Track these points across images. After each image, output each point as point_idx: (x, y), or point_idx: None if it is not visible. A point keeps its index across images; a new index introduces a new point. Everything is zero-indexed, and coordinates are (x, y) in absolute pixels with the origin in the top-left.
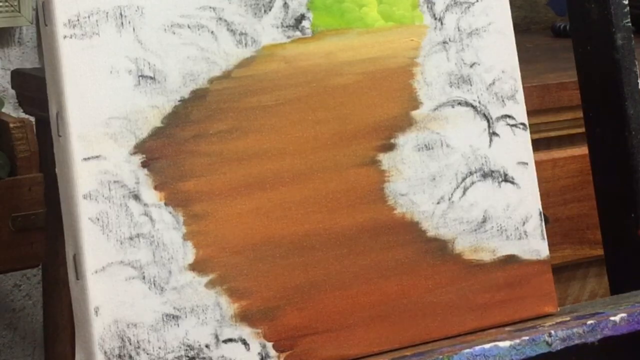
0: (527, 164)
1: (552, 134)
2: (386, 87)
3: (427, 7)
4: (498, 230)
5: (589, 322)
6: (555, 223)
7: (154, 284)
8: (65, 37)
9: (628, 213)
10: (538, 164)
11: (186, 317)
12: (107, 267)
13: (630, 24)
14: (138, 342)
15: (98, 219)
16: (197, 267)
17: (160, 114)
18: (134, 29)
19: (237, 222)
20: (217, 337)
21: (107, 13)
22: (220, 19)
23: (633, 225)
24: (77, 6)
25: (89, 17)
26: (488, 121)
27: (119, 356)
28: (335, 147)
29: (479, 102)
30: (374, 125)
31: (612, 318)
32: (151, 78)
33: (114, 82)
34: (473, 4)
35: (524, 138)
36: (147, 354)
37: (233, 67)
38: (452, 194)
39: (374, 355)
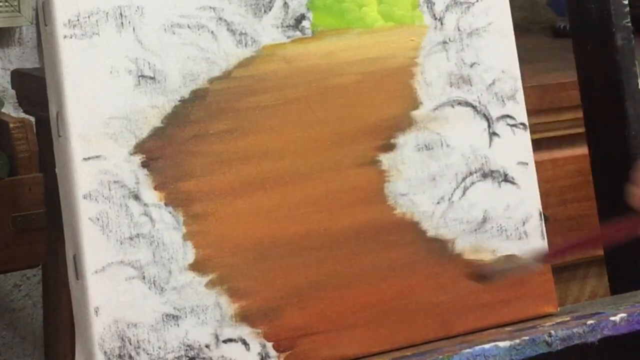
0: (527, 164)
1: (552, 134)
2: (386, 87)
3: (427, 7)
4: (498, 230)
5: (589, 322)
6: (555, 223)
7: (154, 284)
8: (65, 37)
9: (628, 213)
10: (538, 164)
11: (186, 317)
12: (107, 267)
13: (630, 24)
14: (138, 342)
15: (98, 219)
16: (197, 267)
17: (160, 114)
18: (134, 29)
19: (237, 222)
20: (217, 337)
21: (107, 13)
22: (220, 19)
23: None
24: (77, 6)
25: (89, 17)
26: (488, 121)
27: (119, 356)
28: (335, 147)
29: (479, 102)
30: (374, 125)
31: (612, 318)
32: (151, 78)
33: (114, 82)
34: (473, 4)
35: (524, 138)
36: (147, 354)
37: (233, 67)
38: (452, 194)
39: (374, 355)
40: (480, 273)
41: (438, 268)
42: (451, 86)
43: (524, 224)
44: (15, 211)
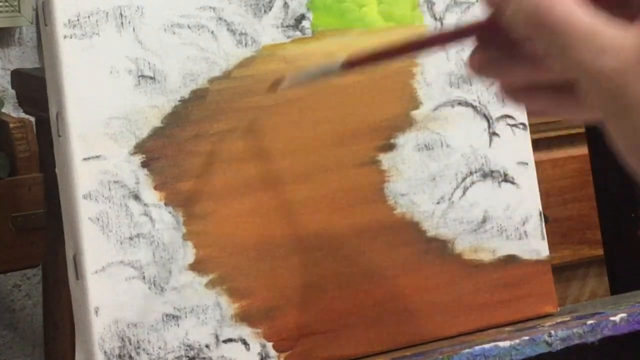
0: (527, 164)
1: (552, 134)
2: (386, 87)
3: (427, 7)
4: (498, 230)
5: (589, 322)
6: (555, 223)
7: (154, 284)
8: (65, 37)
9: (628, 213)
10: (538, 164)
11: (186, 317)
12: (107, 267)
13: None
14: (138, 342)
15: (98, 219)
16: (197, 267)
17: (160, 114)
18: (134, 29)
19: (237, 222)
20: (217, 337)
21: (107, 13)
22: (220, 19)
23: (633, 225)
24: (77, 6)
25: (89, 17)
26: (488, 121)
27: (119, 356)
28: (335, 147)
29: (479, 102)
30: (374, 125)
31: (612, 318)
32: (151, 78)
33: (114, 82)
34: (473, 4)
35: (524, 138)
36: (147, 354)
37: (233, 67)
38: (452, 194)
39: (374, 355)
40: (276, 82)
41: (438, 268)
42: (451, 86)
43: (524, 224)
44: (15, 211)
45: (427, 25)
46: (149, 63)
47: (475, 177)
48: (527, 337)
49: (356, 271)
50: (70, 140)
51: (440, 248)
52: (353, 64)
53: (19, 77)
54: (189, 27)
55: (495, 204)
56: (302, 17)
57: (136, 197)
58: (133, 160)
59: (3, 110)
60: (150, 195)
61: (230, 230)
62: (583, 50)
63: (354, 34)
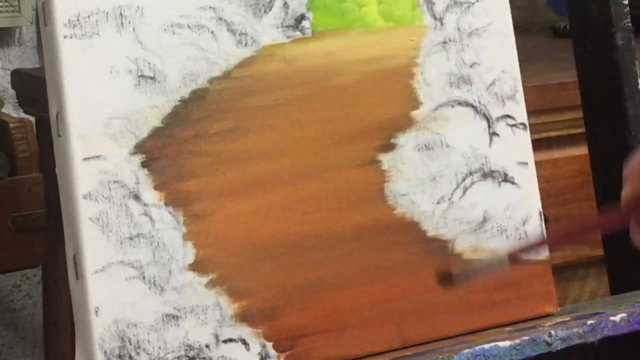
0: (527, 164)
1: (552, 134)
2: (386, 87)
3: (427, 7)
4: (498, 230)
5: (589, 322)
6: (555, 223)
7: (154, 284)
8: (65, 37)
9: None
10: (538, 164)
11: (186, 317)
12: (107, 267)
13: (630, 24)
14: (138, 342)
15: (98, 219)
16: (197, 267)
17: (160, 114)
18: (134, 29)
19: (237, 222)
20: (217, 337)
21: (107, 13)
22: (220, 19)
23: None
24: (77, 6)
25: (89, 17)
26: (488, 121)
27: (119, 356)
28: (336, 147)
29: (479, 102)
30: (374, 125)
31: (612, 318)
32: (151, 78)
33: (114, 82)
34: (473, 4)
35: (524, 138)
36: (147, 354)
37: (233, 67)
38: (452, 194)
39: (374, 355)
40: (445, 275)
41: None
42: (451, 86)
43: (524, 224)
44: (15, 211)
45: (427, 25)
46: (149, 63)
47: (475, 177)
48: (527, 337)
49: (356, 271)
50: (70, 140)
51: (440, 248)
52: (518, 257)
53: (19, 77)
54: (189, 27)
55: (495, 204)
56: (302, 17)
57: (136, 197)
58: (133, 160)
59: (3, 110)
60: (150, 195)
61: (230, 230)
62: None
63: (354, 34)
